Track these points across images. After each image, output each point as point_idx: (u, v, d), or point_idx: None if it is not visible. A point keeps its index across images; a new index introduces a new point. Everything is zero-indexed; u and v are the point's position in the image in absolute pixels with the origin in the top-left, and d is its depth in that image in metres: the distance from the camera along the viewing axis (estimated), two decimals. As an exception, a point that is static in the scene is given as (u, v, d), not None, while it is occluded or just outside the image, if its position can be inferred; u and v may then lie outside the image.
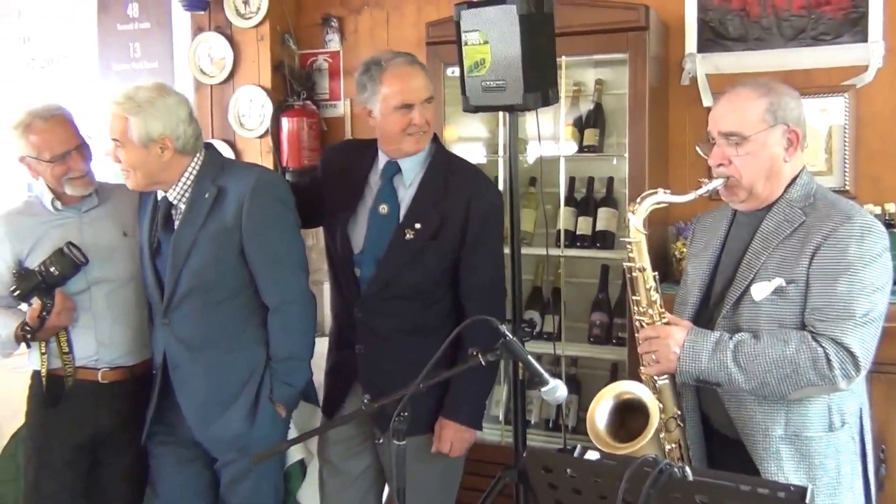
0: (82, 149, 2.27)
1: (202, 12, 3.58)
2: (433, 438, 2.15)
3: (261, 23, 3.47)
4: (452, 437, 2.13)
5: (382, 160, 2.19)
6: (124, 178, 2.12)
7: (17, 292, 2.23)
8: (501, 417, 3.11)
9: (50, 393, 2.26)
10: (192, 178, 2.11)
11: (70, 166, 2.24)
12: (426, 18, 3.07)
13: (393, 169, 2.16)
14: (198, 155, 2.13)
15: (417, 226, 2.09)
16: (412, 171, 2.16)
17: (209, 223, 2.07)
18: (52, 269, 2.21)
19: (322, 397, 2.32)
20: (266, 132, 3.48)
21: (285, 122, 3.43)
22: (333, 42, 3.53)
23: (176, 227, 2.10)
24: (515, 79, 2.17)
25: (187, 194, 2.10)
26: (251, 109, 3.51)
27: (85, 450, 2.31)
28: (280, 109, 3.46)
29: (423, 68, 2.17)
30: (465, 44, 2.23)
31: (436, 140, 2.21)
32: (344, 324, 2.20)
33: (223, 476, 2.19)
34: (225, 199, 2.07)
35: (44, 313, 2.20)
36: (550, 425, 3.15)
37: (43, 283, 2.21)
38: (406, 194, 2.15)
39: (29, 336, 2.22)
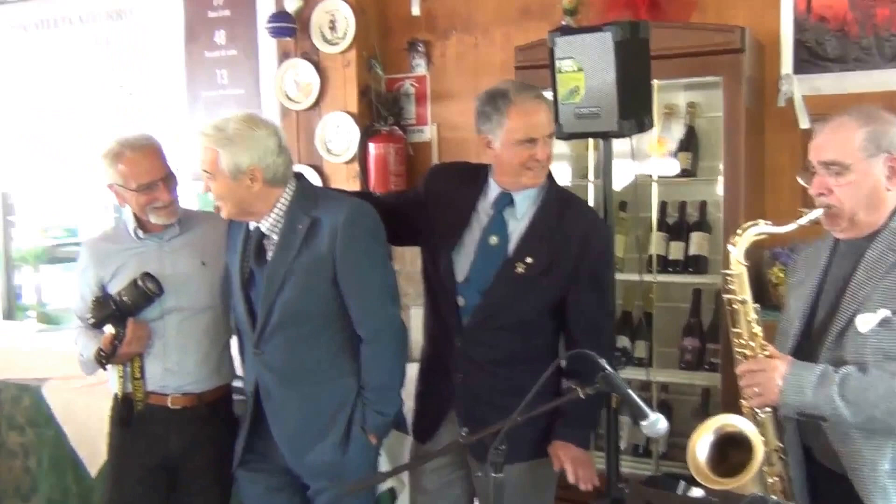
0: (168, 179, 2.32)
1: (289, 38, 3.64)
2: (536, 465, 2.14)
3: (347, 48, 3.51)
4: (571, 458, 2.11)
5: (494, 190, 2.17)
6: (218, 207, 2.14)
7: (92, 320, 2.29)
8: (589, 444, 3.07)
9: (122, 415, 2.34)
10: (284, 208, 2.12)
11: (155, 196, 2.29)
12: (514, 43, 3.06)
13: (506, 200, 2.14)
14: (289, 185, 2.14)
15: (529, 260, 2.07)
16: (524, 204, 2.14)
17: (302, 254, 2.08)
18: (125, 299, 2.26)
19: (412, 422, 2.31)
20: (353, 157, 3.51)
21: (372, 148, 3.46)
22: (420, 67, 3.55)
23: (269, 258, 2.12)
24: (610, 106, 2.16)
25: (280, 225, 2.11)
26: (338, 135, 3.55)
27: (158, 472, 2.35)
28: (367, 134, 3.49)
29: (548, 103, 2.14)
30: (559, 71, 2.23)
31: (549, 174, 2.19)
32: (442, 351, 2.19)
33: (318, 501, 2.19)
34: (318, 231, 2.08)
35: (116, 341, 2.25)
36: (640, 451, 3.10)
37: (117, 312, 2.26)
38: (517, 227, 2.13)
39: (104, 361, 2.27)
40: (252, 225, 2.16)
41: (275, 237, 2.12)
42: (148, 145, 2.33)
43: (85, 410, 2.63)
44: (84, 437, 2.87)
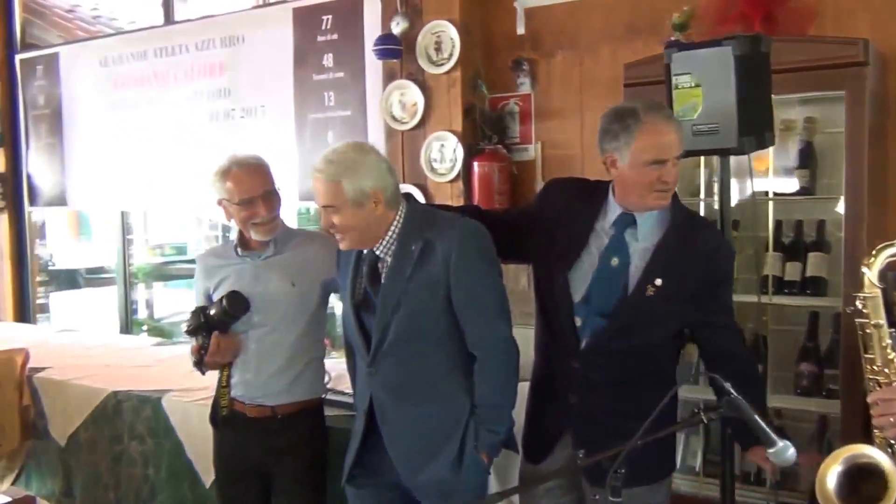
0: (269, 196, 2.46)
1: (395, 60, 3.70)
2: (653, 489, 2.12)
3: (452, 69, 3.54)
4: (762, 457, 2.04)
5: (614, 210, 2.13)
6: (339, 240, 2.18)
7: (185, 329, 2.51)
8: (698, 468, 2.99)
9: (211, 417, 2.57)
10: (397, 231, 2.16)
11: (255, 211, 2.44)
12: (621, 60, 3.02)
13: (627, 221, 2.11)
14: (400, 208, 2.19)
15: (658, 282, 2.04)
16: (647, 226, 2.10)
17: (416, 275, 2.12)
18: (211, 314, 2.45)
19: (523, 442, 2.29)
20: (457, 176, 3.54)
21: (476, 166, 3.48)
22: (525, 85, 3.55)
23: (384, 280, 2.16)
24: (730, 122, 2.12)
25: (393, 247, 2.16)
26: (443, 154, 3.59)
27: (252, 475, 2.55)
28: (471, 153, 3.52)
29: (678, 123, 2.08)
30: (676, 87, 2.20)
31: (674, 195, 2.14)
32: (556, 371, 2.17)
33: None
34: (432, 251, 2.11)
35: (202, 351, 2.46)
36: (752, 479, 2.99)
37: (205, 324, 2.46)
38: (637, 248, 2.09)
39: (196, 367, 2.51)
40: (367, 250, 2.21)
41: (389, 260, 2.16)
42: (254, 164, 2.49)
43: (201, 423, 2.71)
44: (200, 448, 2.95)
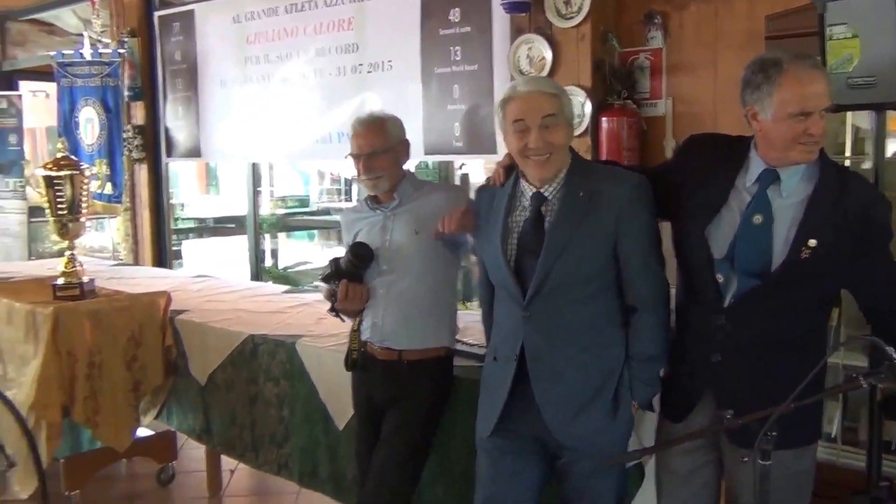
0: (372, 157, 2.57)
1: (523, 14, 3.66)
2: (800, 453, 2.07)
3: (582, 22, 3.47)
4: None
5: (757, 165, 2.04)
6: (537, 164, 2.14)
7: (320, 276, 2.71)
8: (835, 435, 2.90)
9: (345, 358, 2.70)
10: (564, 174, 2.17)
11: (365, 165, 2.58)
12: (759, 12, 2.90)
13: (770, 177, 2.02)
14: (568, 153, 2.21)
15: (812, 243, 1.95)
16: (792, 182, 2.01)
17: (584, 222, 2.11)
18: (340, 263, 2.63)
19: (660, 400, 2.27)
20: (585, 131, 3.49)
21: (604, 122, 3.42)
22: (656, 39, 3.45)
23: (551, 223, 2.14)
24: (890, 74, 2.01)
25: (560, 191, 2.16)
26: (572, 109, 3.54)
27: (376, 416, 2.67)
28: (599, 109, 3.46)
29: (826, 73, 1.97)
30: (830, 38, 2.10)
31: (821, 150, 2.03)
32: (697, 330, 2.13)
33: (573, 471, 2.20)
34: (599, 200, 2.11)
35: (333, 298, 2.65)
36: (893, 448, 2.88)
37: (335, 273, 2.63)
38: (781, 204, 2.01)
39: (330, 312, 2.73)
40: (525, 191, 2.20)
41: (555, 203, 2.15)
42: (373, 120, 2.63)
43: (335, 367, 2.81)
44: (333, 392, 3.06)
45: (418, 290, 2.60)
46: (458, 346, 2.82)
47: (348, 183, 9.23)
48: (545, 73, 3.61)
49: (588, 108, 3.46)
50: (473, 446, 2.39)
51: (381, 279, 2.62)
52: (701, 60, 3.33)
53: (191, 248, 8.29)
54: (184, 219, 8.99)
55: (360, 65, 4.63)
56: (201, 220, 9.90)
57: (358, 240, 2.67)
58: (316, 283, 4.20)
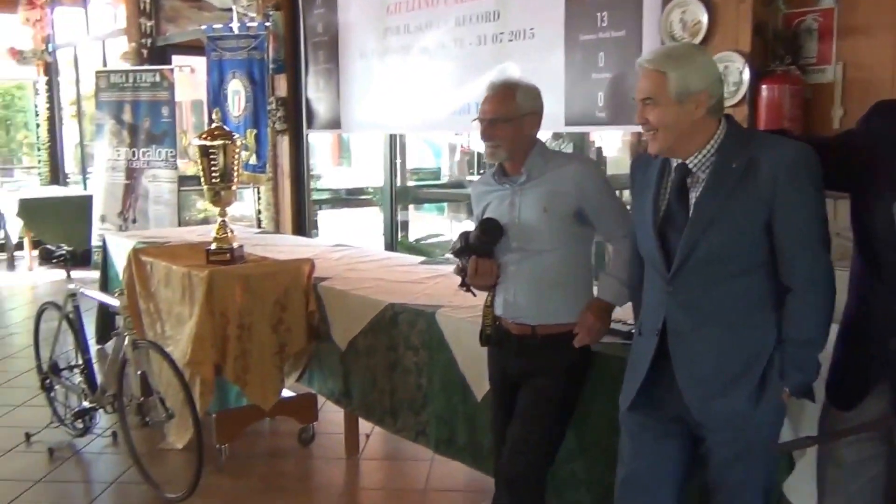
0: (493, 124, 2.52)
1: (677, -24, 3.50)
2: None
3: (744, -17, 3.29)
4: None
5: None
6: (648, 139, 2.10)
7: (451, 250, 2.70)
8: None
9: (480, 336, 2.69)
10: (716, 145, 2.05)
11: (484, 132, 2.54)
12: (952, -35, 2.64)
13: None
14: (721, 122, 2.08)
15: None
16: None
17: (736, 194, 1.99)
18: (469, 238, 2.61)
19: (827, 386, 2.12)
20: (742, 100, 3.31)
21: (764, 90, 3.22)
22: (826, -1, 3.23)
23: (697, 196, 2.05)
24: None
25: (710, 162, 2.05)
26: (727, 76, 3.35)
27: (511, 390, 2.65)
28: (759, 76, 3.26)
29: None
30: None
31: None
32: (875, 313, 1.97)
33: (714, 456, 2.12)
34: (756, 171, 1.97)
35: (462, 273, 2.64)
36: None
37: (465, 248, 2.61)
38: None
39: (461, 287, 2.71)
40: (674, 162, 2.11)
41: (701, 175, 2.05)
42: (501, 87, 2.57)
43: (474, 338, 2.79)
44: (472, 363, 3.05)
45: (550, 266, 2.54)
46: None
47: (482, 156, 9.22)
48: (699, 38, 3.44)
49: (746, 75, 3.28)
50: (613, 424, 2.35)
51: (511, 255, 2.58)
52: (879, 22, 3.08)
53: (325, 219, 8.51)
54: (318, 190, 9.23)
55: (501, 33, 4.57)
56: (335, 192, 10.14)
57: (487, 215, 2.62)
58: (447, 255, 4.22)
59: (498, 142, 2.54)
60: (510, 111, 2.53)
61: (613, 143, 7.49)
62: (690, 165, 2.07)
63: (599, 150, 6.97)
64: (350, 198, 10.10)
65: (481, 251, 2.59)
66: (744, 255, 2.02)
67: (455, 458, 3.28)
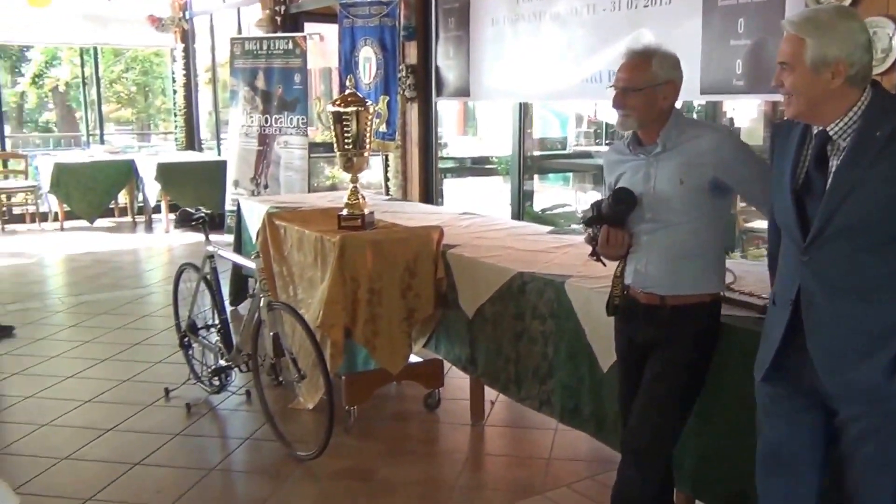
0: (625, 93, 2.46)
1: (832, -66, 3.29)
2: None
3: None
4: None
5: None
6: (783, 104, 2.04)
7: (581, 220, 2.67)
8: None
9: (607, 306, 2.67)
10: (859, 112, 1.94)
11: (617, 100, 2.49)
12: None
13: None
14: (866, 90, 1.96)
15: None
16: None
17: (879, 163, 1.89)
18: (601, 207, 2.56)
19: None
20: (892, 67, 3.10)
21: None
22: None
23: (837, 164, 1.96)
24: None
25: (852, 130, 1.95)
26: (875, 42, 3.14)
27: (639, 361, 2.61)
28: None
29: None
30: None
31: None
32: None
33: (848, 430, 2.03)
34: None
35: (593, 242, 2.61)
36: None
37: (597, 217, 2.58)
38: None
39: (591, 257, 2.68)
40: (815, 129, 2.02)
41: (842, 143, 1.96)
42: (636, 55, 2.51)
43: (602, 309, 2.76)
44: (600, 334, 3.02)
45: (684, 238, 2.50)
46: (730, 294, 2.72)
47: (609, 127, 9.05)
48: (847, 1, 3.24)
49: (900, 40, 3.07)
50: (744, 398, 2.31)
51: (644, 226, 2.54)
52: None
53: (451, 187, 8.58)
54: (443, 158, 9.31)
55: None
56: (460, 161, 10.20)
57: (620, 184, 2.58)
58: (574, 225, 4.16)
59: (629, 111, 2.50)
60: (644, 80, 2.47)
61: (747, 113, 7.19)
62: (831, 133, 1.98)
63: (732, 120, 6.71)
64: (475, 167, 10.14)
65: (613, 220, 2.56)
66: (884, 227, 1.92)
67: (579, 428, 3.27)
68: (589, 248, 2.70)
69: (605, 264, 2.70)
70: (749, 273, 3.09)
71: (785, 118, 2.11)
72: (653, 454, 2.53)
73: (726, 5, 3.96)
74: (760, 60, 3.83)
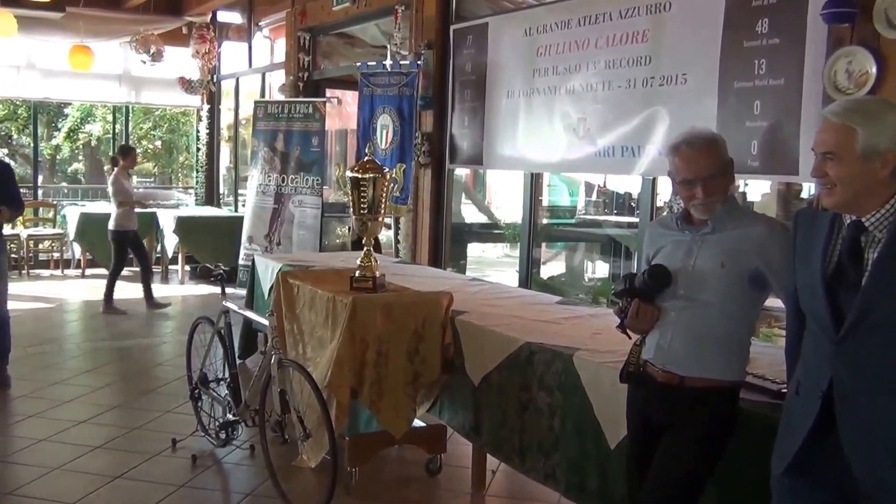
0: (711, 180, 2.41)
1: (845, 25, 3.39)
2: None
3: (918, 34, 3.16)
4: None
5: None
6: (823, 194, 2.03)
7: (613, 291, 2.69)
8: None
9: (621, 373, 2.63)
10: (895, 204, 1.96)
11: (692, 193, 2.43)
12: None
13: None
14: None
15: None
16: None
17: None
18: (633, 281, 2.55)
19: None
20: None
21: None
22: None
23: (875, 256, 1.95)
24: None
25: (888, 221, 1.95)
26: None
27: (649, 436, 2.56)
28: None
29: None
30: None
31: None
32: None
33: None
34: None
35: (622, 315, 2.57)
36: None
37: (628, 290, 2.55)
38: None
39: (618, 328, 2.63)
40: (847, 218, 2.02)
41: (878, 234, 1.95)
42: (703, 144, 2.45)
43: (612, 384, 2.75)
44: (608, 409, 3.00)
45: (714, 321, 2.46)
46: (748, 379, 2.67)
47: (620, 198, 9.13)
48: (866, 89, 3.32)
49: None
50: (758, 485, 2.25)
51: (675, 302, 2.51)
52: None
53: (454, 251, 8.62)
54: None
55: (652, 78, 4.54)
56: (467, 226, 10.28)
57: (658, 259, 2.57)
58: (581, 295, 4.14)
59: (706, 199, 2.44)
60: (714, 167, 2.43)
61: (760, 188, 7.25)
62: (867, 224, 1.97)
63: (745, 195, 6.76)
64: (483, 232, 10.21)
65: (644, 295, 2.54)
66: None
67: (585, 503, 3.22)
68: (603, 319, 2.70)
69: (630, 337, 2.66)
70: (762, 354, 3.01)
71: (821, 207, 2.09)
72: None
73: (742, 87, 4.05)
74: (776, 142, 3.89)
